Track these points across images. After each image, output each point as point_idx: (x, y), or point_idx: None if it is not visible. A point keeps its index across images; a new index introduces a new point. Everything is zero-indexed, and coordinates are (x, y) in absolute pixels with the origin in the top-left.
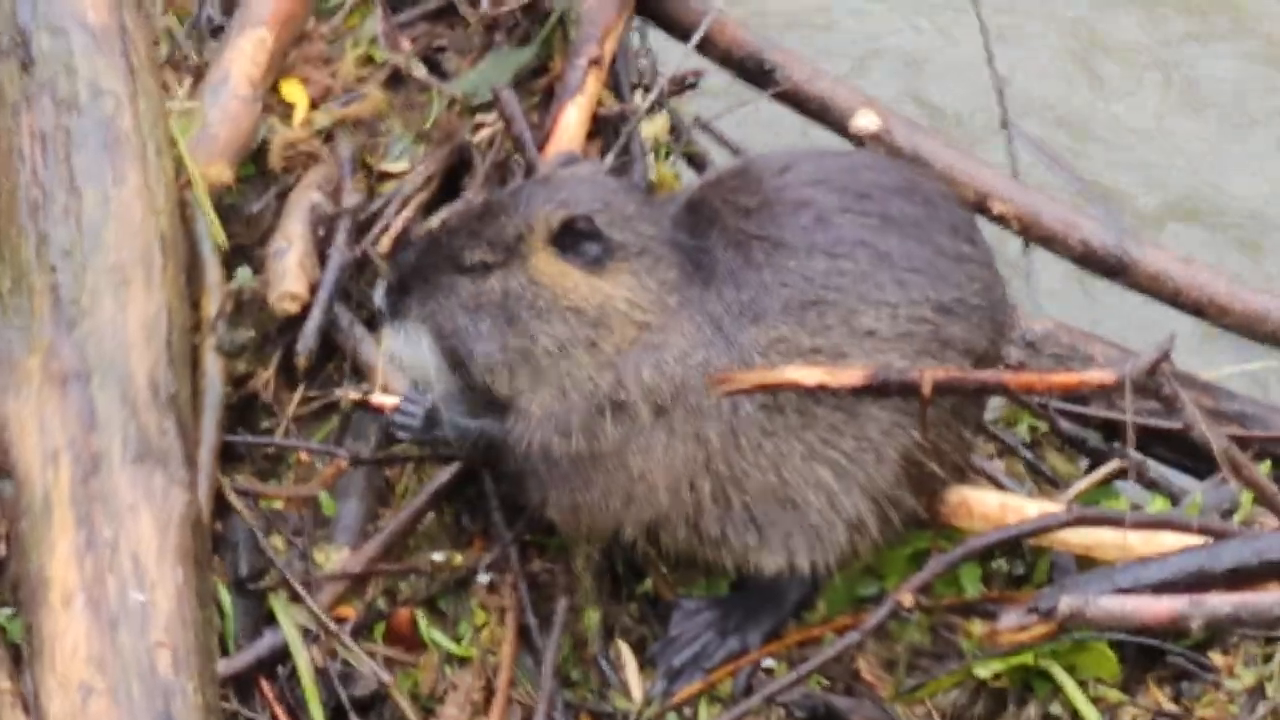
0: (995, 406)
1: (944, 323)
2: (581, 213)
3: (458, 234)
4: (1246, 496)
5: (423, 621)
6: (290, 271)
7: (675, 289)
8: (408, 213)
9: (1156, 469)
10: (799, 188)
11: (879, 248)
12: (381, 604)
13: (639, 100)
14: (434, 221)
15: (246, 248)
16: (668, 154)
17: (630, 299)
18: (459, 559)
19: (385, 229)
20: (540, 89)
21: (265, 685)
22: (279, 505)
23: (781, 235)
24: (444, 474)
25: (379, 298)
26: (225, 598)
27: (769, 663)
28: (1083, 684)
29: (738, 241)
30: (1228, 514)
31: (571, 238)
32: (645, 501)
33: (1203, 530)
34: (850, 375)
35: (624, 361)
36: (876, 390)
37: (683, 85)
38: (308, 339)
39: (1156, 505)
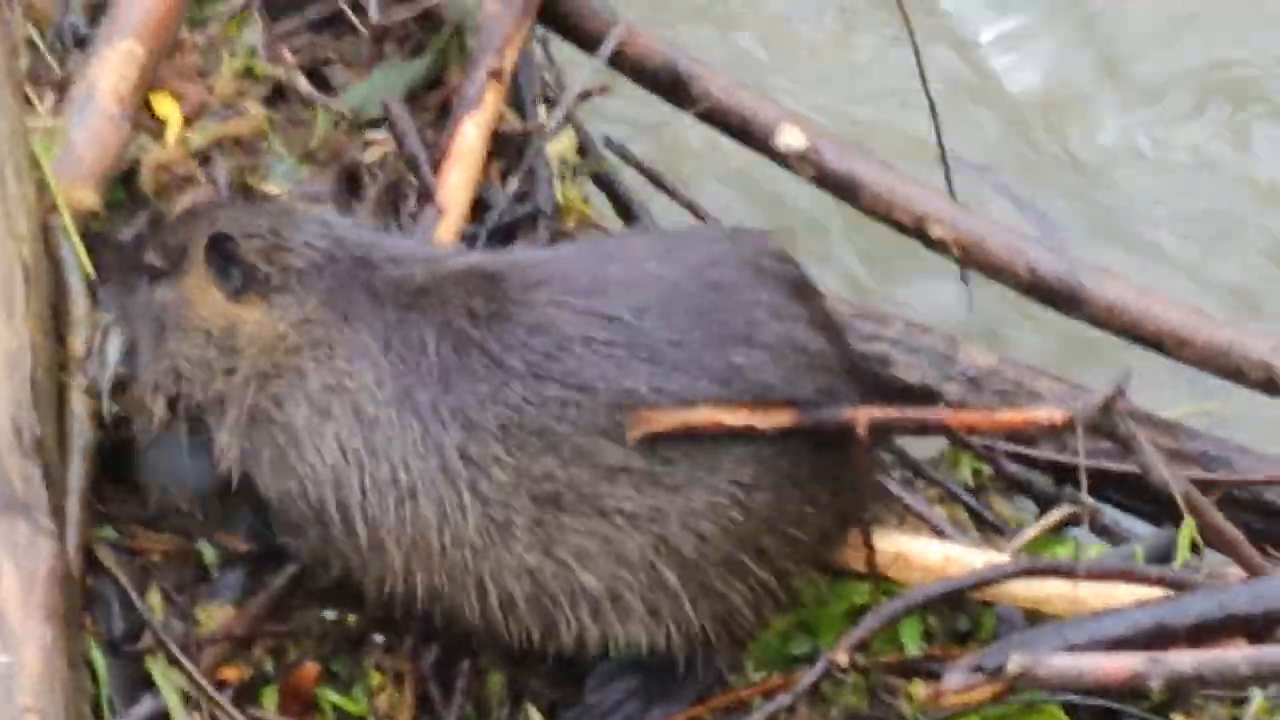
0: (936, 448)
1: None
2: (227, 234)
3: (151, 231)
4: (1185, 541)
5: None
6: None
7: (335, 336)
8: None
9: (1111, 515)
10: (541, 307)
11: (622, 385)
12: (269, 666)
13: (543, 116)
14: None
15: None
16: (575, 174)
17: (255, 332)
18: (352, 617)
19: None
20: (435, 104)
21: None
22: (156, 558)
23: (506, 356)
24: None
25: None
26: (98, 659)
27: None
28: None
29: (457, 344)
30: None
31: (218, 259)
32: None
33: (1163, 581)
34: (779, 416)
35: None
36: (808, 431)
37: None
38: None
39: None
